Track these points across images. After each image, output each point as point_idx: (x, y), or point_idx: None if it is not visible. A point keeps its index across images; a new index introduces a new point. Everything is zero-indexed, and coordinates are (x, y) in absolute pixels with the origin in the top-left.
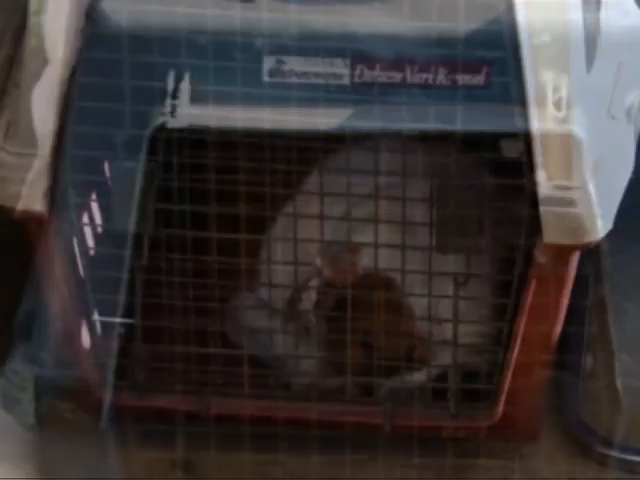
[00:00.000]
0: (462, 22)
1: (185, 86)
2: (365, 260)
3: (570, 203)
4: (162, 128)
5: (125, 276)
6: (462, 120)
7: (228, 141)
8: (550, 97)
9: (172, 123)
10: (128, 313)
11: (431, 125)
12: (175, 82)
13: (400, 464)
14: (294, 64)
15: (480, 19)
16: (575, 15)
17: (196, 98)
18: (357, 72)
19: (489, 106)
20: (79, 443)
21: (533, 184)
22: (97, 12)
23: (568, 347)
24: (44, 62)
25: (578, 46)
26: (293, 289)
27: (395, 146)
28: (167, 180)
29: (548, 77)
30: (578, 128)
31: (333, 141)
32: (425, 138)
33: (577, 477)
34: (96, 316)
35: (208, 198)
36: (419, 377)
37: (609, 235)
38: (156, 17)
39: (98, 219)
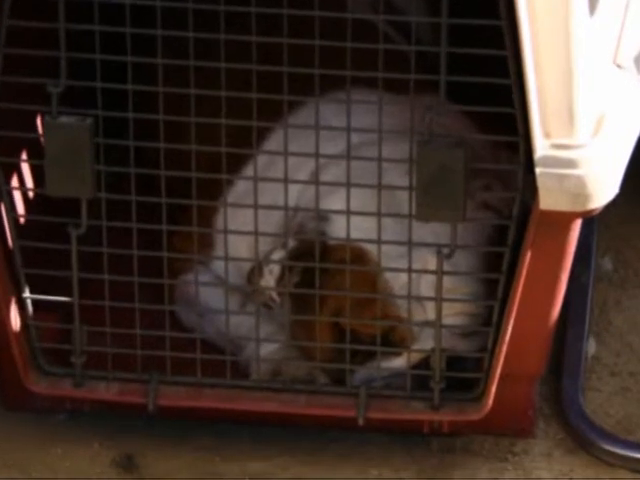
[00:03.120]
0: None
1: None
2: (335, 229)
3: (570, 164)
4: None
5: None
6: None
7: None
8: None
9: None
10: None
11: None
12: None
13: (376, 462)
14: None
15: None
16: None
17: None
18: None
19: None
20: (8, 440)
21: (528, 142)
22: None
23: (568, 329)
24: None
25: None
26: (253, 263)
27: (371, 97)
28: None
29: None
30: (580, 79)
31: None
32: (405, 87)
33: (577, 477)
34: (27, 293)
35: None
36: (397, 363)
37: (615, 201)
38: None
39: (29, 182)
